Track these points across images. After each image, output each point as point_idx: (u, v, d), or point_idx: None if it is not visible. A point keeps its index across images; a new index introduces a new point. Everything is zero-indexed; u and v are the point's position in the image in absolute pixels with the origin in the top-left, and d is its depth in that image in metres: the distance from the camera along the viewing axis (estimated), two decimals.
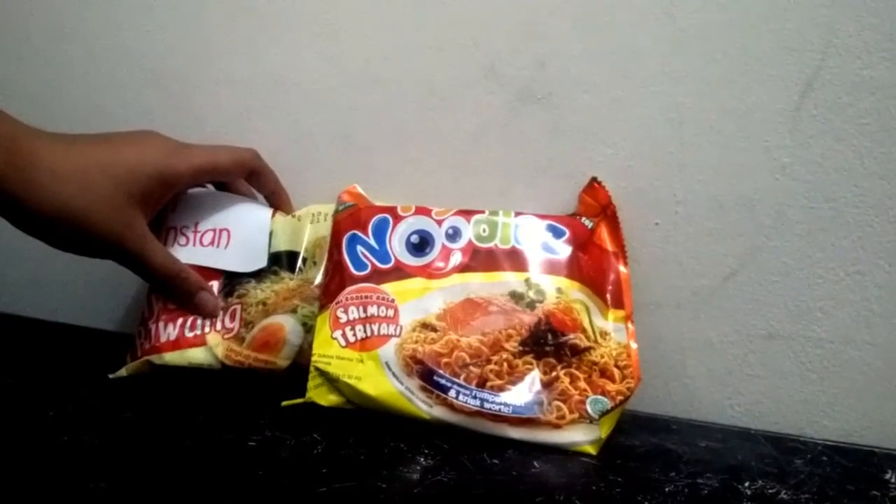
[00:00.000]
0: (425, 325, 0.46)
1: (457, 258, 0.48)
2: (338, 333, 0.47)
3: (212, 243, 0.52)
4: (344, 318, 0.47)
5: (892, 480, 0.44)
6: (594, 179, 0.50)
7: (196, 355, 0.50)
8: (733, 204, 0.49)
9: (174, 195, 0.50)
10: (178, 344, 0.50)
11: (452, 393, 0.44)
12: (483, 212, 0.50)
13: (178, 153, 0.47)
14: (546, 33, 0.49)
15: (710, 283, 0.50)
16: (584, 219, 0.49)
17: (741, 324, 0.50)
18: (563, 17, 0.49)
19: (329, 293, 0.48)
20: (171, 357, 0.50)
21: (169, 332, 0.50)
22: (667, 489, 0.41)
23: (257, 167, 0.52)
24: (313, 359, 0.46)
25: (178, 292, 0.49)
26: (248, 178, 0.52)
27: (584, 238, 0.48)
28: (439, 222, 0.49)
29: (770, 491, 0.41)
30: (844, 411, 0.50)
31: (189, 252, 0.51)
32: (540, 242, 0.48)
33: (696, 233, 0.50)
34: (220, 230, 0.52)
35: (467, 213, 0.50)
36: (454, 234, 0.49)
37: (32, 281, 0.65)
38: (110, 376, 0.51)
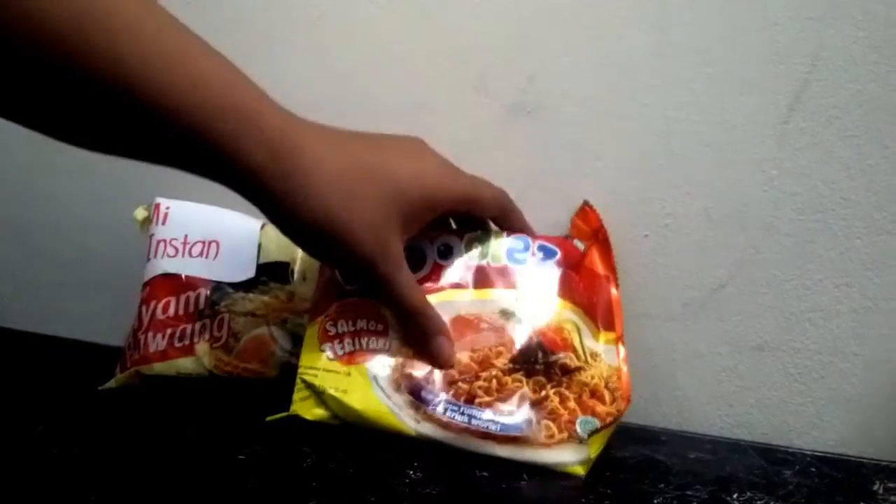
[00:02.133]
0: None
1: (448, 275, 0.48)
2: (326, 346, 0.46)
3: (201, 255, 0.52)
4: (333, 331, 0.47)
5: (881, 492, 0.44)
6: (585, 203, 0.50)
7: (185, 365, 0.50)
8: (722, 216, 0.49)
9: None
10: (167, 354, 0.50)
11: (440, 409, 0.44)
12: (475, 230, 0.49)
13: (450, 175, 0.44)
14: (536, 46, 0.49)
15: (700, 294, 0.50)
16: (575, 241, 0.49)
17: (731, 335, 0.50)
18: (554, 31, 0.49)
19: (319, 306, 0.48)
20: (160, 367, 0.50)
21: (158, 342, 0.51)
22: (656, 501, 0.41)
23: (511, 208, 0.48)
24: (300, 371, 0.46)
25: (418, 330, 0.45)
26: (497, 217, 0.48)
27: (576, 260, 0.48)
28: (431, 239, 0.49)
29: (759, 502, 0.41)
30: (833, 422, 0.50)
31: (178, 263, 0.52)
32: (531, 261, 0.48)
33: (685, 245, 0.50)
34: (210, 242, 0.52)
35: (460, 231, 0.49)
36: (446, 252, 0.49)
37: (21, 294, 0.65)
38: (100, 388, 0.51)
